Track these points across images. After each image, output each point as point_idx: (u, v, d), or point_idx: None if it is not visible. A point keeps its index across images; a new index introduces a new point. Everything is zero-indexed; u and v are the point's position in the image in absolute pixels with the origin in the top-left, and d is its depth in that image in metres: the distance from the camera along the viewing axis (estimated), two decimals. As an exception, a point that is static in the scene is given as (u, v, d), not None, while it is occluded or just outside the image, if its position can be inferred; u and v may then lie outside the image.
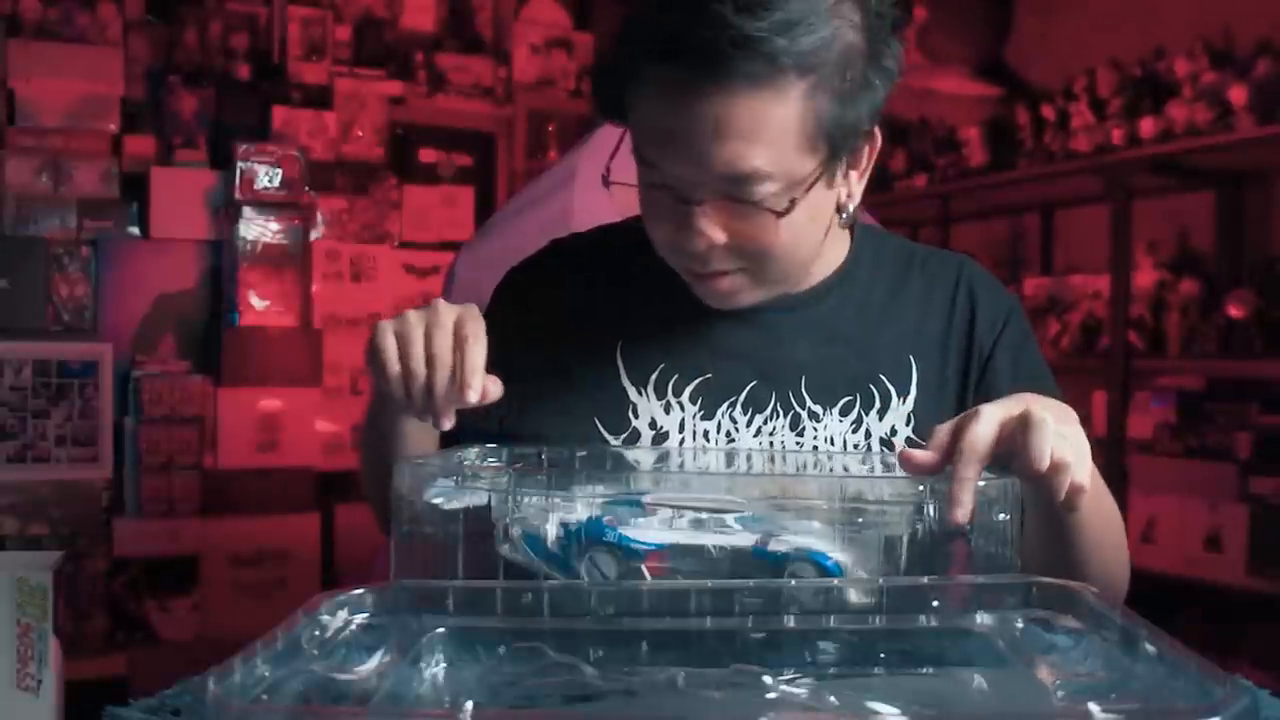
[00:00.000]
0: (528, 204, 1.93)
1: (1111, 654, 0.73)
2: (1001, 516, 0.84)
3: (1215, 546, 2.84)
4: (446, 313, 0.94)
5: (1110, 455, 3.16)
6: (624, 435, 1.12)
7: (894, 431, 1.12)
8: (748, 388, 1.12)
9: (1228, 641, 2.76)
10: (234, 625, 2.92)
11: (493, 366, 0.94)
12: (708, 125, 0.95)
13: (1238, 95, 2.83)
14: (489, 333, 0.96)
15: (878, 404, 1.12)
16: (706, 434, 1.11)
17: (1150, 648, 0.69)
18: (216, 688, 0.61)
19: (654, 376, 1.13)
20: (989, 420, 0.85)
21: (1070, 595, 0.79)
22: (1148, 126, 3.06)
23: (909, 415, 1.12)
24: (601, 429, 1.12)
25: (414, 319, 0.94)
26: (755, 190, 0.98)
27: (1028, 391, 0.96)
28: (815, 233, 1.06)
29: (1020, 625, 0.80)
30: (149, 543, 2.98)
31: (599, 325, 1.16)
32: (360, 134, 3.40)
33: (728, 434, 1.12)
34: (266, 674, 0.67)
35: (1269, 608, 2.73)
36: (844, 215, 1.09)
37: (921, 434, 1.10)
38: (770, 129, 0.96)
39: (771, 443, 1.11)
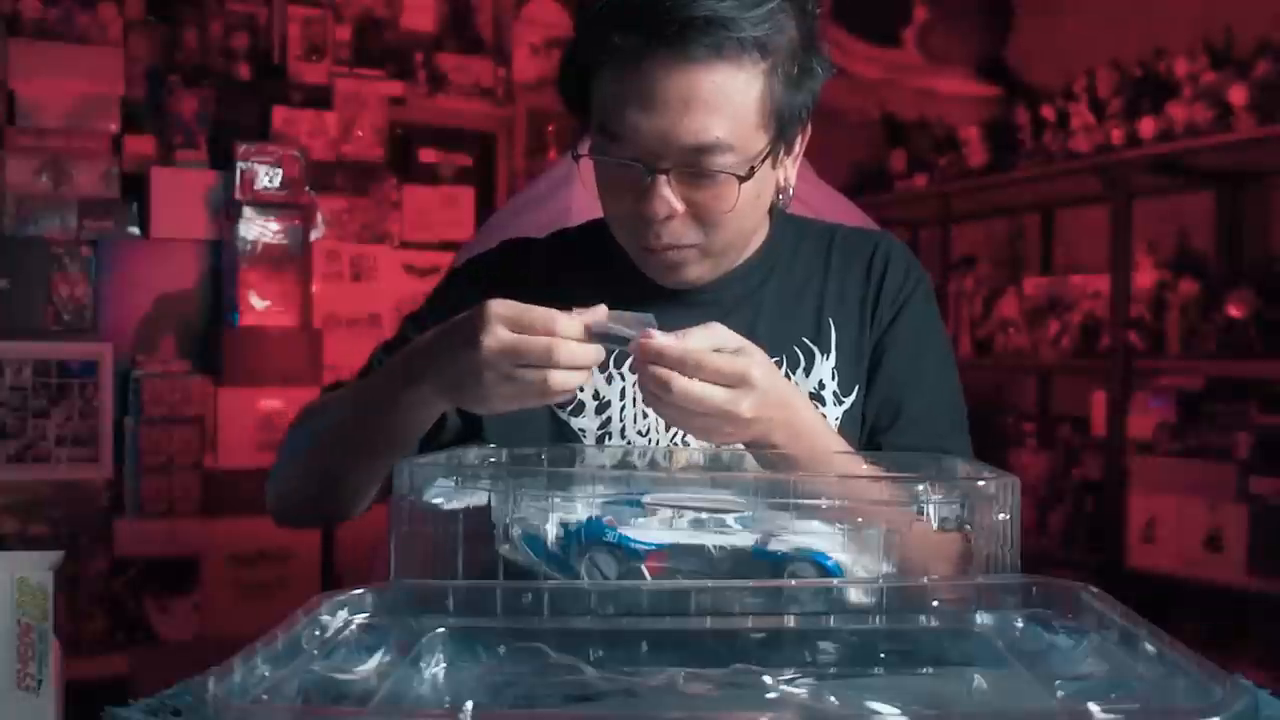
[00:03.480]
0: (528, 204, 1.93)
1: (1111, 654, 0.73)
2: (1001, 516, 0.84)
3: (1215, 546, 2.84)
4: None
5: (1110, 455, 3.16)
6: (569, 406, 1.19)
7: (822, 385, 1.20)
8: None
9: (1228, 641, 2.76)
10: (234, 625, 2.92)
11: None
12: (676, 96, 1.02)
13: (1238, 95, 2.83)
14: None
15: (803, 363, 1.20)
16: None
17: (1150, 648, 0.69)
18: (216, 688, 0.61)
19: None
20: (712, 329, 0.96)
21: (1070, 595, 0.79)
22: (1148, 126, 3.06)
23: (833, 370, 1.20)
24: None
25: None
26: (716, 160, 1.05)
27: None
28: (760, 210, 1.15)
29: (1020, 625, 0.81)
30: (149, 543, 2.98)
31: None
32: (360, 134, 3.40)
33: None
34: (266, 674, 0.67)
35: (1269, 608, 2.73)
36: (782, 197, 1.18)
37: (845, 388, 1.20)
38: (733, 103, 1.04)
39: None
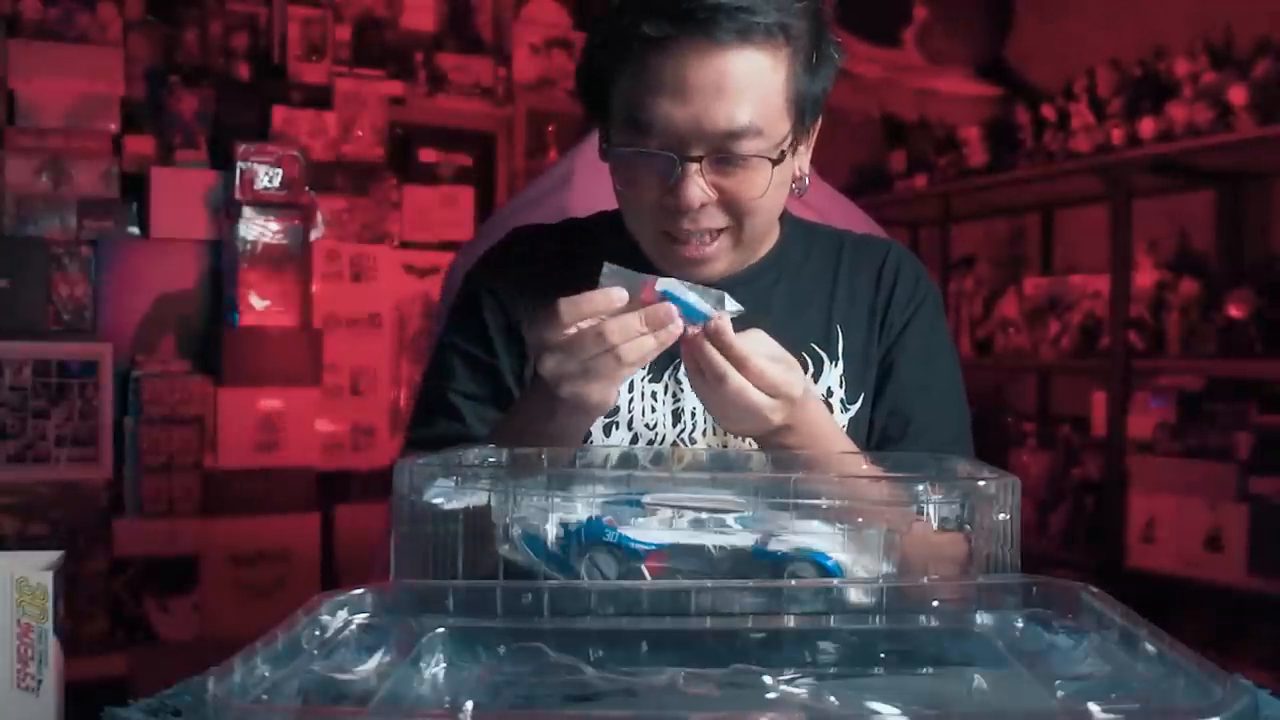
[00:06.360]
0: (527, 204, 1.93)
1: (1111, 654, 0.73)
2: (1001, 516, 0.84)
3: (1215, 546, 2.84)
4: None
5: (1110, 455, 3.16)
6: None
7: (830, 392, 1.21)
8: None
9: (1228, 641, 2.76)
10: (234, 625, 2.93)
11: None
12: (707, 82, 1.04)
13: (1238, 95, 2.83)
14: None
15: (811, 368, 1.21)
16: (654, 394, 1.20)
17: (1150, 647, 0.69)
18: (216, 688, 0.61)
19: None
20: (761, 336, 0.99)
21: (1070, 595, 0.79)
22: (1148, 126, 3.06)
23: (841, 378, 1.21)
24: None
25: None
26: (747, 145, 1.06)
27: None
28: (781, 199, 1.16)
29: (1020, 625, 0.81)
30: (149, 543, 2.98)
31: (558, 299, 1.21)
32: (360, 134, 3.40)
33: (674, 394, 1.20)
34: (266, 674, 0.67)
35: (1269, 608, 2.73)
36: (796, 187, 1.18)
37: (851, 395, 1.21)
38: (761, 88, 1.06)
39: None
